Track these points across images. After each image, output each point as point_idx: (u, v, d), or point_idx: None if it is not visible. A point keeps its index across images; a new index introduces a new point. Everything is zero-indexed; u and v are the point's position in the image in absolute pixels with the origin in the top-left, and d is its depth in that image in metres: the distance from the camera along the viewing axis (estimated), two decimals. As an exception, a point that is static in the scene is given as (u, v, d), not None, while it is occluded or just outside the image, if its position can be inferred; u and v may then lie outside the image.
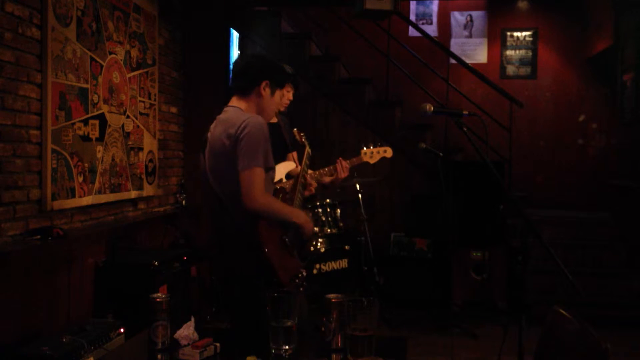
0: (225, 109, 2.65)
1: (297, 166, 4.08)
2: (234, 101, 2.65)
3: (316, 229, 4.86)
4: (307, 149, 3.25)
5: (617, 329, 4.99)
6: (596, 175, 7.32)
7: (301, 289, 2.59)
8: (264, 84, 2.61)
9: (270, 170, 2.54)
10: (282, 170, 4.06)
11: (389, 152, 4.01)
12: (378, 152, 3.95)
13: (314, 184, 3.05)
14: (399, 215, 6.08)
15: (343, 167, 3.65)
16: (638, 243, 5.81)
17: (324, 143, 6.24)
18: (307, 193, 3.06)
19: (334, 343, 1.87)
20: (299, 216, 2.61)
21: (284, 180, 4.03)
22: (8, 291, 3.10)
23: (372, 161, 3.93)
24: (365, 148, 3.92)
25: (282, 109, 4.04)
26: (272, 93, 2.66)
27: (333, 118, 6.37)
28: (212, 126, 2.62)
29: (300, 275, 2.60)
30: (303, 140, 3.39)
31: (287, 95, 3.99)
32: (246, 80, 2.63)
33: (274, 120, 4.10)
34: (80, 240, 3.78)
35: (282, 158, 4.10)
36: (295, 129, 3.61)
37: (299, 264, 2.66)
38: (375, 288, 5.27)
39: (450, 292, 5.55)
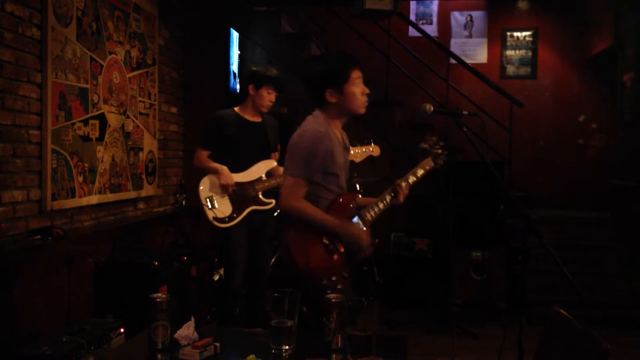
0: (309, 117, 2.74)
1: (277, 166, 4.08)
2: (316, 112, 2.73)
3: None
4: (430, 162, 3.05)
5: (617, 329, 4.99)
6: (596, 175, 7.31)
7: (328, 291, 2.49)
8: (327, 92, 2.65)
9: (315, 184, 2.57)
10: (262, 168, 4.08)
11: (376, 151, 3.98)
12: (364, 151, 3.93)
13: (405, 193, 2.85)
14: (399, 215, 6.07)
15: None
16: (638, 243, 5.80)
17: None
18: (400, 198, 2.85)
19: (334, 343, 1.87)
20: (340, 227, 2.55)
21: (264, 177, 4.05)
22: (8, 291, 3.10)
23: (357, 160, 3.91)
24: (350, 146, 3.89)
25: (264, 110, 4.05)
26: (341, 93, 2.67)
27: (333, 118, 6.35)
28: None
29: (333, 278, 2.50)
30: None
31: (267, 96, 4.00)
32: (311, 91, 2.72)
33: (258, 119, 4.11)
34: (80, 240, 3.78)
35: (265, 156, 4.11)
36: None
37: (341, 267, 2.55)
38: (375, 288, 5.27)
39: (450, 292, 5.55)
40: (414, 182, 2.94)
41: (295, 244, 2.52)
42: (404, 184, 2.86)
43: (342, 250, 2.58)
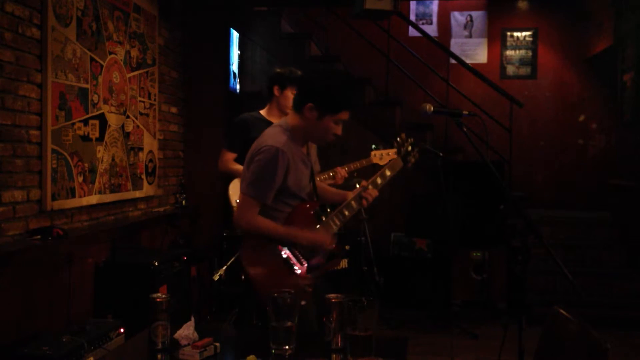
0: (275, 123, 2.62)
1: None
2: (290, 114, 2.58)
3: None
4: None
5: (617, 329, 4.99)
6: (596, 175, 7.32)
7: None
8: (308, 105, 2.46)
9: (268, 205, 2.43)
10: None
11: None
12: (388, 154, 4.04)
13: (373, 196, 2.71)
14: (399, 215, 6.07)
15: (341, 175, 3.77)
16: (638, 243, 5.80)
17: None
18: (364, 203, 2.71)
19: (334, 343, 1.87)
20: (299, 237, 2.46)
21: None
22: (8, 291, 3.10)
23: (381, 162, 4.01)
24: (375, 150, 3.98)
25: (288, 111, 3.95)
26: (319, 117, 2.45)
27: (333, 118, 6.35)
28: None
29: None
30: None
31: (292, 97, 3.90)
32: (297, 96, 2.55)
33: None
34: (80, 240, 3.78)
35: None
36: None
37: (301, 280, 2.45)
38: (375, 288, 5.27)
39: (450, 292, 5.55)
40: (382, 185, 2.79)
41: (251, 264, 2.43)
42: (371, 187, 2.73)
43: (304, 263, 2.48)
